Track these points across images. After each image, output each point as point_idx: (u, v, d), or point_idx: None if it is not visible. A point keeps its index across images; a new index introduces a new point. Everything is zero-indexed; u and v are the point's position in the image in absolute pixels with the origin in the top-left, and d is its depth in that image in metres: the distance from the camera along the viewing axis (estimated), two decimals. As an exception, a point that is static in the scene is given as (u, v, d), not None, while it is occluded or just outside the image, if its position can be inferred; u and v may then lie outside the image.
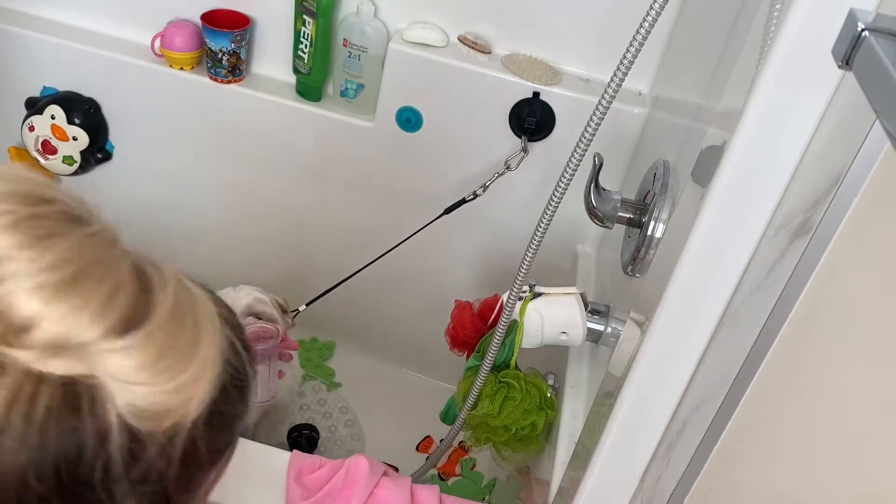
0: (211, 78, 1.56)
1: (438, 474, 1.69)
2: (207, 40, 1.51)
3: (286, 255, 1.77)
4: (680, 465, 0.77)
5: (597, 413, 0.92)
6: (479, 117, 1.49)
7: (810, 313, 0.60)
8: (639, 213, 1.08)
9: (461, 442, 1.70)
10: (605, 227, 1.11)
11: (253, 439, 1.07)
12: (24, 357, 0.42)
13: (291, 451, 1.01)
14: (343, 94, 1.56)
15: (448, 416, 1.30)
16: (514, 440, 1.18)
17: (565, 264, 1.57)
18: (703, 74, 1.02)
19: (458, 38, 1.48)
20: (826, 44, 0.47)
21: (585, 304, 1.14)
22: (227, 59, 1.52)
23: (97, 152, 1.67)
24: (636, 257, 1.01)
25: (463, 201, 1.47)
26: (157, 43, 1.55)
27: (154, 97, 1.61)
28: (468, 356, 1.25)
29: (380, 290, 1.73)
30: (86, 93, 1.62)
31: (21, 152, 1.69)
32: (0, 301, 0.41)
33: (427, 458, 1.44)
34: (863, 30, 0.43)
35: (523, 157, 1.46)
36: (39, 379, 0.42)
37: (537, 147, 1.48)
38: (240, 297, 1.30)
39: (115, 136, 1.68)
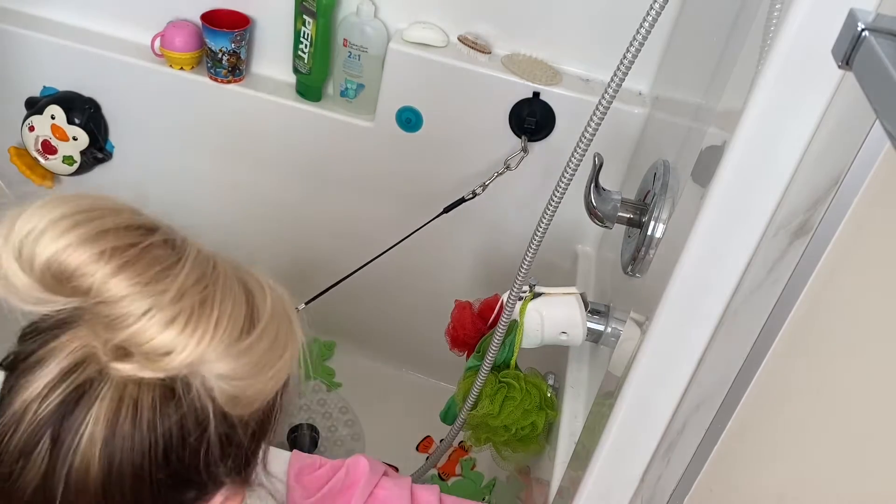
0: (211, 78, 1.56)
1: (438, 474, 1.69)
2: (207, 40, 1.51)
3: (286, 254, 1.77)
4: (680, 465, 0.77)
5: (597, 413, 0.92)
6: (479, 117, 1.49)
7: (810, 313, 0.60)
8: (639, 213, 1.08)
9: (461, 442, 1.71)
10: (605, 227, 1.11)
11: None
12: (131, 369, 0.46)
13: (291, 451, 1.01)
14: (343, 94, 1.56)
15: (448, 416, 1.30)
16: (514, 440, 1.18)
17: (565, 264, 1.57)
18: (703, 74, 1.02)
19: (458, 38, 1.48)
20: (826, 44, 0.47)
21: (585, 304, 1.14)
22: (227, 59, 1.52)
23: (97, 152, 1.67)
24: (636, 257, 1.01)
25: (462, 200, 1.47)
26: (157, 43, 1.55)
27: (154, 97, 1.61)
28: (468, 356, 1.25)
29: (380, 289, 1.73)
30: (86, 93, 1.62)
31: (21, 152, 1.69)
32: (137, 334, 0.45)
33: (427, 458, 1.44)
34: (863, 30, 0.43)
35: (523, 157, 1.46)
36: (140, 384, 0.47)
37: (537, 147, 1.48)
38: None
39: (115, 136, 1.68)
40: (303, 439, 1.63)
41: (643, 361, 0.77)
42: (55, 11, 1.61)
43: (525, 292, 1.14)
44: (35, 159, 1.67)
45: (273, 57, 1.58)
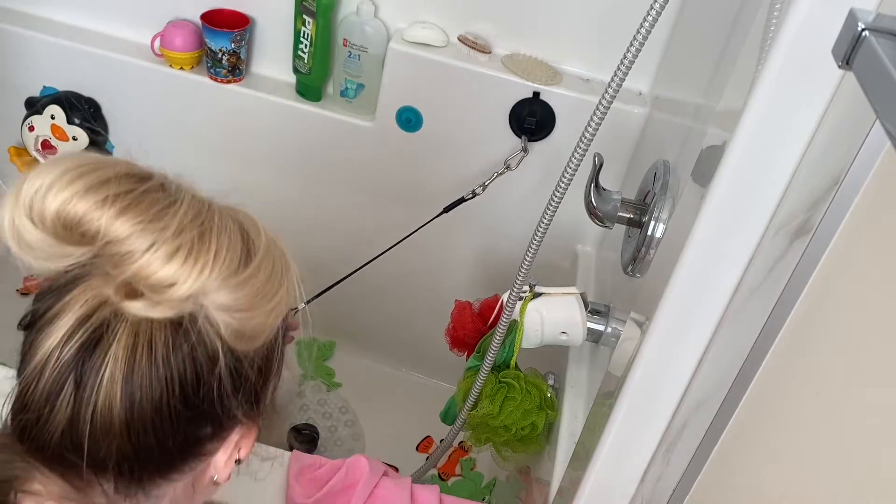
0: (211, 78, 1.56)
1: (438, 474, 1.69)
2: (207, 40, 1.51)
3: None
4: (680, 465, 0.77)
5: (597, 413, 0.92)
6: (479, 117, 1.49)
7: (810, 313, 0.60)
8: (639, 213, 1.08)
9: (461, 442, 1.71)
10: (605, 227, 1.11)
11: (253, 439, 1.08)
12: (141, 307, 0.49)
13: (291, 451, 1.01)
14: (343, 94, 1.56)
15: (448, 416, 1.30)
16: (515, 440, 1.18)
17: (565, 264, 1.57)
18: (703, 74, 1.02)
19: (458, 38, 1.48)
20: (826, 44, 0.47)
21: (585, 304, 1.14)
22: (227, 59, 1.52)
23: (97, 152, 1.67)
24: (636, 257, 1.01)
25: (462, 200, 1.47)
26: (157, 43, 1.55)
27: (154, 97, 1.61)
28: (468, 356, 1.25)
29: (380, 289, 1.73)
30: (86, 93, 1.62)
31: (21, 152, 1.69)
32: (141, 269, 0.48)
33: (427, 458, 1.44)
34: (863, 30, 0.43)
35: (523, 157, 1.46)
36: (152, 324, 0.51)
37: (537, 147, 1.48)
38: None
39: (114, 136, 1.68)
40: (303, 439, 1.63)
41: (643, 361, 0.77)
42: (55, 11, 1.61)
43: (525, 292, 1.14)
44: (35, 159, 1.67)
45: (273, 57, 1.58)
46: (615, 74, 0.90)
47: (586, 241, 1.55)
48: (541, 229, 1.05)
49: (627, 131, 1.42)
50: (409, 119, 1.52)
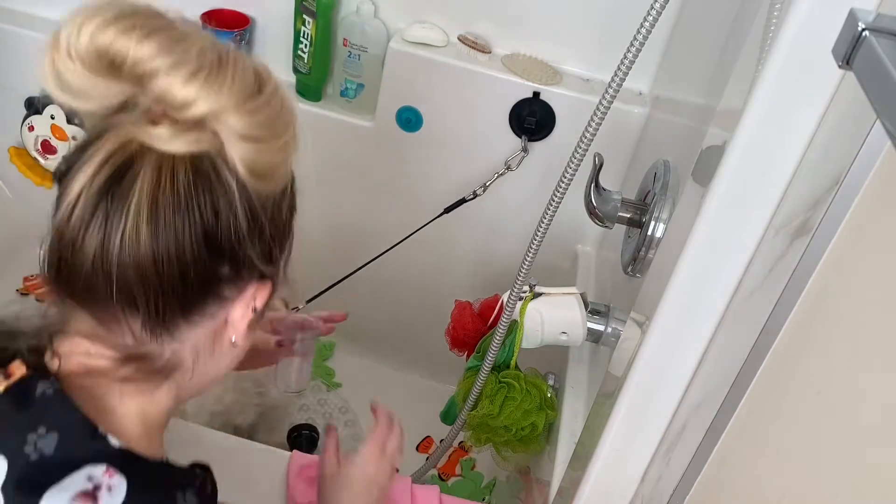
0: (211, 78, 1.56)
1: (438, 474, 1.69)
2: (207, 40, 1.51)
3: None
4: (680, 465, 0.77)
5: (597, 413, 0.92)
6: (479, 117, 1.49)
7: (810, 313, 0.60)
8: (639, 213, 1.08)
9: (461, 442, 1.70)
10: (606, 227, 1.11)
11: (253, 439, 1.08)
12: (163, 134, 0.54)
13: (291, 451, 1.01)
14: (343, 93, 1.56)
15: (448, 417, 1.30)
16: (515, 440, 1.18)
17: (565, 264, 1.57)
18: (703, 74, 1.02)
19: (458, 38, 1.48)
20: (826, 44, 0.47)
21: (585, 304, 1.14)
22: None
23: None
24: (636, 257, 1.01)
25: (463, 200, 1.47)
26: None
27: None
28: (468, 356, 1.25)
29: (380, 289, 1.72)
30: (86, 93, 1.62)
31: (21, 152, 1.69)
32: (164, 89, 0.53)
33: (427, 458, 1.44)
34: (863, 30, 0.43)
35: (523, 157, 1.46)
36: (174, 159, 0.55)
37: (537, 147, 1.48)
38: None
39: (115, 136, 1.68)
40: (303, 439, 1.63)
41: (643, 361, 0.77)
42: (55, 11, 1.61)
43: (525, 292, 1.14)
44: (35, 159, 1.67)
45: (273, 57, 1.58)
46: (615, 74, 0.90)
47: (586, 241, 1.55)
48: (541, 229, 1.05)
49: (627, 131, 1.42)
50: (409, 119, 1.52)
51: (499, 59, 1.46)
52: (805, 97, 0.61)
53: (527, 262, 1.08)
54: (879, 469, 0.46)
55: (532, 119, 1.45)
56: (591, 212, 1.10)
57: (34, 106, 1.63)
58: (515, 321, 1.14)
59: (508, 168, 1.47)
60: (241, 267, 0.60)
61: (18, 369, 0.59)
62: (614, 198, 1.10)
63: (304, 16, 1.48)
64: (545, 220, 1.04)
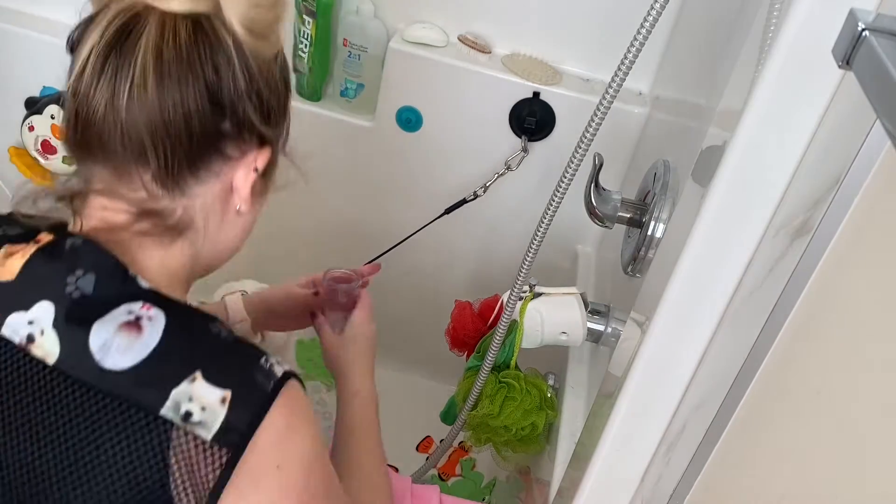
0: (211, 78, 1.56)
1: (438, 474, 1.69)
2: (207, 40, 1.51)
3: (285, 254, 1.77)
4: (680, 465, 0.77)
5: (597, 413, 0.92)
6: (479, 117, 1.49)
7: (810, 313, 0.60)
8: (639, 213, 1.08)
9: (461, 442, 1.70)
10: (605, 227, 1.11)
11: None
12: None
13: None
14: (343, 93, 1.56)
15: (448, 417, 1.30)
16: (515, 440, 1.18)
17: (565, 264, 1.57)
18: (703, 74, 1.03)
19: (458, 38, 1.48)
20: (826, 44, 0.47)
21: (585, 304, 1.14)
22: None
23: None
24: (636, 257, 1.01)
25: (464, 201, 1.47)
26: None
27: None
28: (468, 356, 1.25)
29: (379, 289, 1.72)
30: (86, 93, 1.62)
31: (21, 152, 1.69)
32: None
33: (427, 458, 1.44)
34: (863, 30, 0.43)
35: (523, 157, 1.46)
36: (175, 18, 0.60)
37: (537, 147, 1.48)
38: (245, 287, 1.30)
39: (115, 136, 1.68)
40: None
41: (643, 361, 0.77)
42: (55, 11, 1.61)
43: (525, 292, 1.14)
44: (35, 159, 1.66)
45: (273, 57, 1.58)
46: (615, 74, 0.90)
47: (586, 241, 1.55)
48: (541, 229, 1.05)
49: (627, 131, 1.42)
50: (409, 119, 1.52)
51: (499, 59, 1.47)
52: (805, 97, 0.61)
53: (527, 262, 1.08)
54: (879, 469, 0.46)
55: (532, 119, 1.45)
56: (591, 212, 1.10)
57: (34, 106, 1.63)
58: (515, 321, 1.14)
59: (508, 168, 1.47)
60: (242, 126, 0.65)
61: (46, 236, 0.65)
62: (614, 198, 1.10)
63: (304, 16, 1.48)
64: (545, 220, 1.04)
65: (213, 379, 0.61)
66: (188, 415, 0.60)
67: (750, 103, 0.62)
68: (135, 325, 0.61)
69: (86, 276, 0.62)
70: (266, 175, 0.71)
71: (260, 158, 0.68)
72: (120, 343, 0.60)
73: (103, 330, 0.60)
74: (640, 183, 1.15)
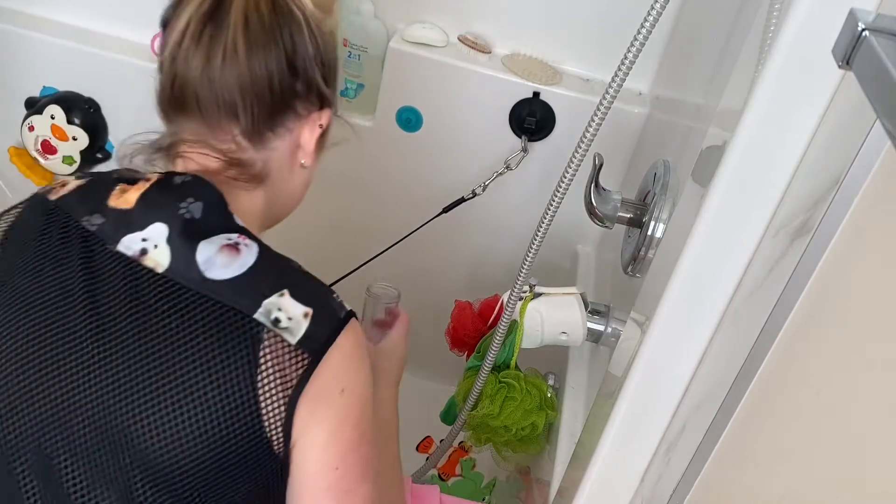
0: (211, 78, 1.56)
1: (438, 474, 1.69)
2: (207, 40, 1.51)
3: (284, 252, 1.77)
4: (680, 465, 0.77)
5: (597, 413, 0.92)
6: (479, 117, 1.49)
7: (810, 313, 0.60)
8: (639, 213, 1.08)
9: (461, 442, 1.70)
10: (606, 227, 1.11)
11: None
12: None
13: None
14: (343, 93, 1.56)
15: (448, 417, 1.30)
16: (515, 440, 1.18)
17: (565, 264, 1.57)
18: (703, 74, 1.03)
19: (458, 38, 1.48)
20: (826, 44, 0.47)
21: (585, 304, 1.14)
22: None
23: (97, 152, 1.67)
24: (636, 257, 1.01)
25: (462, 200, 1.47)
26: (157, 43, 1.55)
27: (154, 97, 1.61)
28: (468, 356, 1.25)
29: (380, 290, 1.72)
30: (86, 93, 1.62)
31: (20, 152, 1.69)
32: None
33: (427, 458, 1.44)
34: (863, 30, 0.43)
35: (523, 157, 1.46)
36: None
37: (537, 147, 1.48)
38: None
39: (114, 136, 1.68)
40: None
41: (643, 361, 0.77)
42: (55, 11, 1.61)
43: (525, 292, 1.14)
44: (35, 159, 1.67)
45: (273, 57, 1.58)
46: (615, 74, 0.90)
47: (586, 241, 1.55)
48: (541, 229, 1.05)
49: (627, 131, 1.42)
50: (409, 119, 1.52)
51: (499, 59, 1.47)
52: (805, 97, 0.61)
53: (527, 262, 1.08)
54: (880, 469, 0.46)
55: (532, 119, 1.45)
56: (591, 212, 1.10)
57: (34, 106, 1.63)
58: (515, 321, 1.14)
59: (508, 168, 1.47)
60: (311, 87, 0.77)
61: (156, 175, 0.76)
62: (614, 198, 1.10)
63: (304, 16, 1.48)
64: (545, 220, 1.04)
65: (298, 297, 0.72)
66: (277, 321, 0.69)
67: (750, 103, 0.62)
68: (234, 247, 0.72)
69: (196, 203, 0.73)
70: (323, 134, 0.82)
71: (324, 116, 0.80)
72: (222, 260, 0.70)
73: (207, 248, 0.70)
74: (640, 183, 1.15)
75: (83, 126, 1.62)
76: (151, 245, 0.71)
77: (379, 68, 1.50)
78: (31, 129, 1.62)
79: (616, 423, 0.81)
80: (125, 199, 0.74)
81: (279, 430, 0.69)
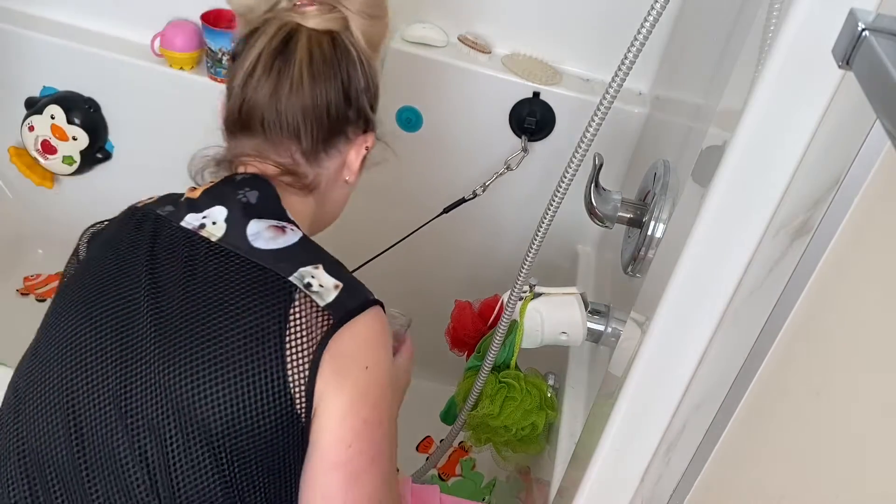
0: (211, 78, 1.56)
1: (438, 474, 1.69)
2: (207, 40, 1.51)
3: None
4: (680, 465, 0.77)
5: (597, 413, 0.92)
6: (479, 117, 1.49)
7: (810, 313, 0.60)
8: (639, 213, 1.08)
9: (461, 442, 1.70)
10: (606, 227, 1.11)
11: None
12: (310, 14, 0.84)
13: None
14: (343, 93, 1.56)
15: (448, 417, 1.30)
16: (515, 440, 1.18)
17: (565, 264, 1.57)
18: (703, 74, 1.03)
19: (458, 38, 1.48)
20: (826, 44, 0.47)
21: (585, 304, 1.14)
22: (227, 59, 1.52)
23: (97, 152, 1.67)
24: (636, 257, 1.01)
25: (463, 200, 1.47)
26: (157, 43, 1.55)
27: (154, 97, 1.61)
28: (468, 356, 1.25)
29: (379, 290, 1.72)
30: (86, 93, 1.62)
31: (21, 152, 1.69)
32: None
33: (427, 458, 1.44)
34: (863, 30, 0.43)
35: (523, 157, 1.46)
36: (319, 34, 0.83)
37: (537, 147, 1.48)
38: None
39: (114, 136, 1.68)
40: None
41: (643, 361, 0.77)
42: (55, 11, 1.61)
43: (525, 292, 1.14)
44: (35, 159, 1.67)
45: (273, 57, 1.58)
46: (615, 74, 0.90)
47: (586, 241, 1.55)
48: (541, 229, 1.04)
49: (627, 131, 1.42)
50: (409, 119, 1.52)
51: (499, 59, 1.47)
52: (805, 97, 0.61)
53: (527, 262, 1.08)
54: (880, 469, 0.46)
55: (532, 119, 1.45)
56: (591, 212, 1.10)
57: (34, 106, 1.63)
58: (515, 321, 1.14)
59: (508, 168, 1.47)
60: (360, 114, 0.87)
61: (219, 178, 0.86)
62: (614, 198, 1.10)
63: (304, 16, 1.48)
64: (545, 220, 1.04)
65: (331, 272, 0.79)
66: (309, 285, 0.77)
67: (750, 103, 0.62)
68: (280, 229, 0.81)
69: (252, 191, 0.82)
70: (365, 155, 0.92)
71: (369, 139, 0.90)
72: (268, 235, 0.79)
73: (257, 225, 0.80)
74: (640, 183, 1.15)
75: (83, 126, 1.62)
76: (210, 221, 0.80)
77: (379, 68, 1.50)
78: (31, 128, 1.62)
79: (616, 423, 0.81)
80: (194, 193, 0.85)
81: (302, 389, 0.74)
